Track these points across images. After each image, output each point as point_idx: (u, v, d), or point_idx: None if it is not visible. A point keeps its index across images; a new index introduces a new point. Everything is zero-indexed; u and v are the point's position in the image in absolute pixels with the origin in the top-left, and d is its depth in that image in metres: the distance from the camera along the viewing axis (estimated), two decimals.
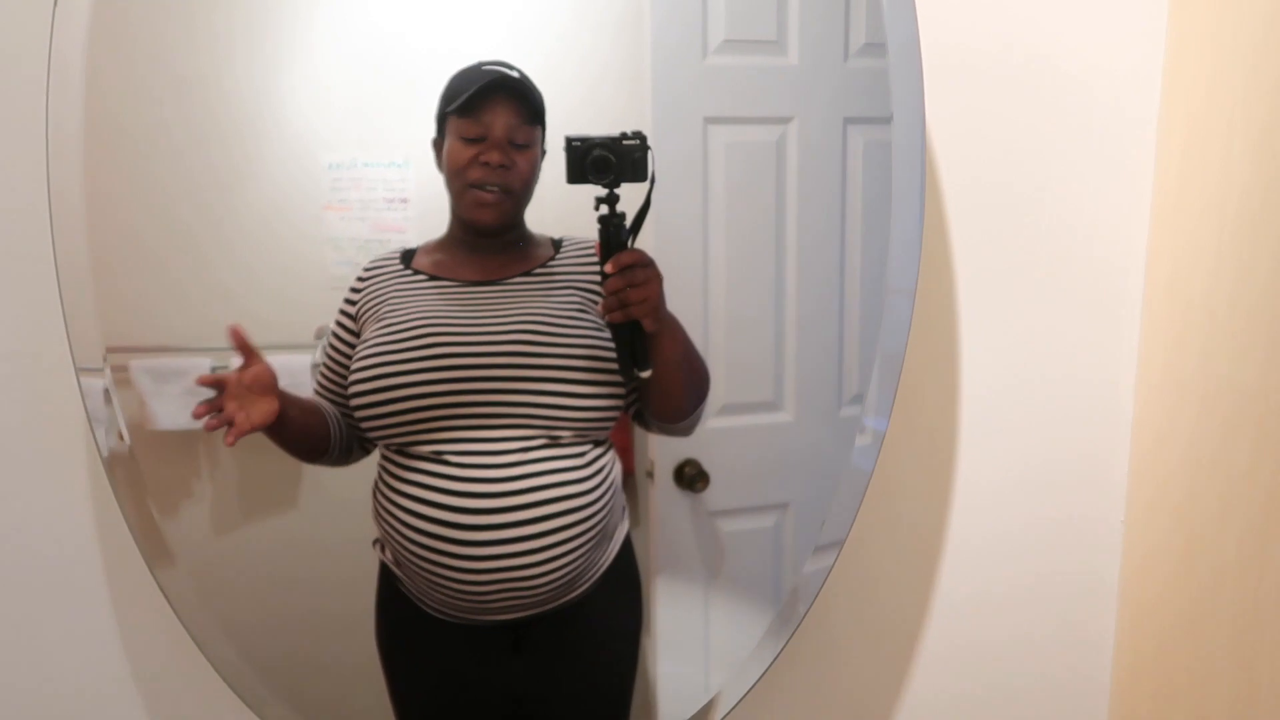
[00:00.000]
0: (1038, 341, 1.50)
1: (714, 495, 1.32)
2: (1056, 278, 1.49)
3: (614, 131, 1.06)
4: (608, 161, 1.03)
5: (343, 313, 1.17)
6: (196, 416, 1.06)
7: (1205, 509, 1.37)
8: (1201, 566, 1.37)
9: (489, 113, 1.10)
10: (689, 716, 1.33)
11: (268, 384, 1.08)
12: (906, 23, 1.26)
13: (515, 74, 1.11)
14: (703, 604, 1.35)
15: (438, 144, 1.14)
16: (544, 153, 1.15)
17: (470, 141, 1.11)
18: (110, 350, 1.19)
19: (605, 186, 1.04)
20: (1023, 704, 1.60)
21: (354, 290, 1.17)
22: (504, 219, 1.14)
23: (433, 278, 1.16)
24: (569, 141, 1.04)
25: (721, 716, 1.33)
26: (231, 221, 1.21)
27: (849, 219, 1.31)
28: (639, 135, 1.05)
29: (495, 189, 1.12)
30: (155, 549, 1.23)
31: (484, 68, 1.11)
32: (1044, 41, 1.42)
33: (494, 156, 1.10)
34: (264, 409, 1.08)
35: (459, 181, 1.13)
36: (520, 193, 1.14)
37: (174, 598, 1.23)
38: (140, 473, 1.21)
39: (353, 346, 1.15)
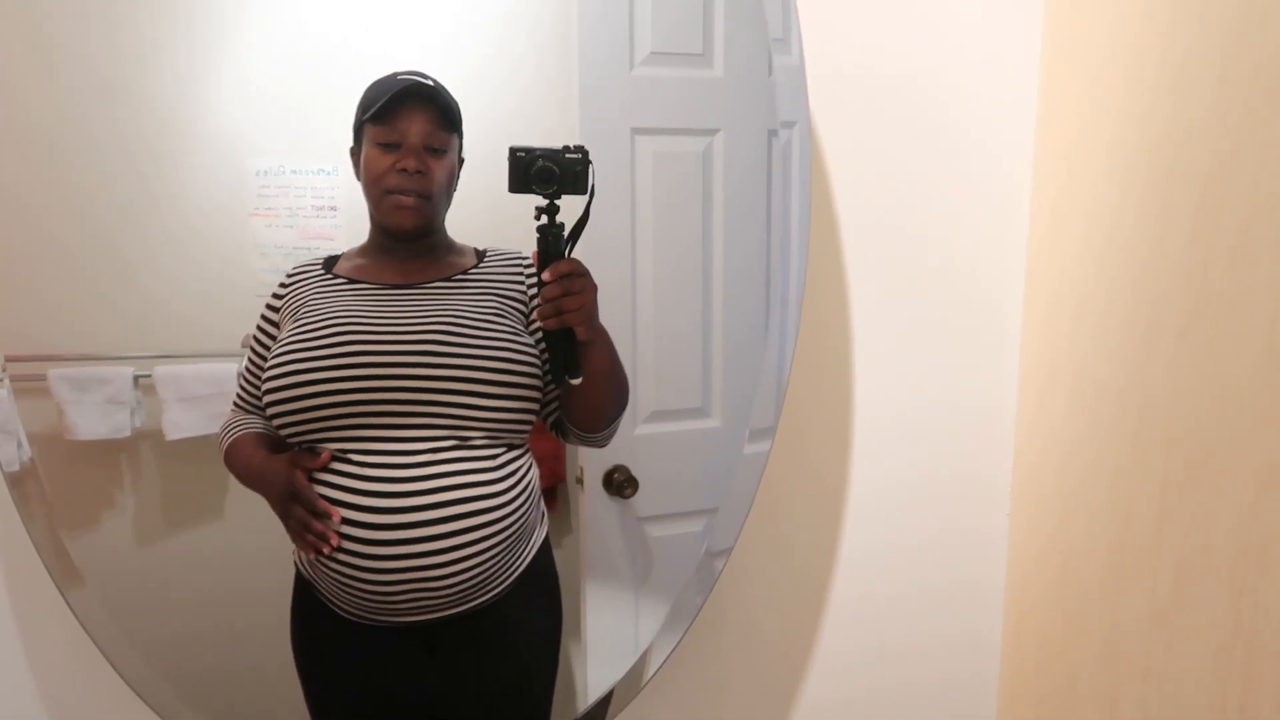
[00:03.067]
0: (925, 353, 1.55)
1: (643, 501, 1.33)
2: (942, 290, 1.54)
3: (545, 141, 1.07)
4: (552, 173, 1.04)
5: (265, 318, 1.17)
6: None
7: (1080, 516, 1.44)
8: (1078, 573, 1.45)
9: (404, 119, 1.10)
10: (589, 707, 1.35)
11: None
12: (795, 38, 1.29)
13: (429, 82, 1.12)
14: (633, 607, 1.37)
15: (355, 153, 1.14)
16: (462, 161, 1.16)
17: (386, 148, 1.11)
18: (16, 359, 1.16)
19: (548, 197, 1.05)
20: (915, 703, 1.64)
21: (276, 296, 1.17)
22: (422, 223, 1.15)
23: (352, 281, 1.16)
24: (513, 151, 1.05)
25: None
26: (155, 229, 1.19)
27: (774, 229, 1.34)
28: (580, 149, 1.06)
29: (412, 194, 1.12)
30: (65, 567, 1.20)
31: (399, 76, 1.12)
32: (925, 65, 1.47)
33: (410, 162, 1.11)
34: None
35: (376, 189, 1.13)
36: (437, 198, 1.14)
37: (83, 614, 1.21)
38: (43, 488, 1.19)
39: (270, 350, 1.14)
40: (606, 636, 1.35)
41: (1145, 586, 1.30)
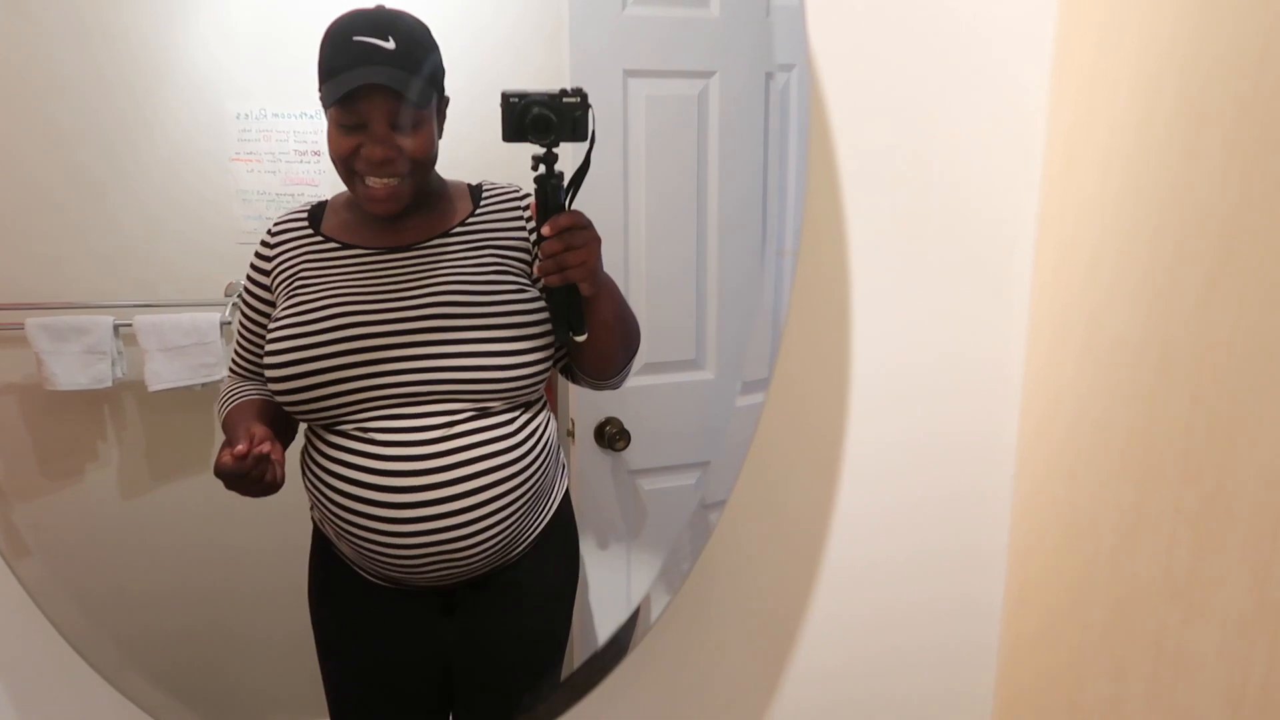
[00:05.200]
0: (928, 304, 1.50)
1: (635, 454, 1.31)
2: (947, 239, 1.48)
3: (534, 85, 1.03)
4: (548, 121, 0.97)
5: (254, 282, 1.12)
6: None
7: (1089, 479, 1.39)
8: (1086, 539, 1.40)
9: (363, 103, 1.01)
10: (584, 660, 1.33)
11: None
12: None
13: (389, 46, 1.01)
14: (625, 561, 1.35)
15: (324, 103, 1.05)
16: (447, 100, 1.07)
17: (349, 130, 1.03)
18: None
19: (545, 146, 0.99)
20: (912, 670, 1.62)
21: (263, 257, 1.12)
22: (399, 207, 1.07)
23: (345, 245, 1.10)
24: (506, 97, 0.98)
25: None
26: (134, 174, 1.16)
27: (770, 176, 1.30)
28: (579, 92, 0.99)
29: (383, 181, 1.05)
30: (11, 538, 1.19)
31: (353, 40, 1.01)
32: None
33: (375, 152, 1.02)
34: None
35: (343, 169, 1.05)
36: (417, 173, 1.07)
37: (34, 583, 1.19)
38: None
39: (268, 318, 1.10)
40: (601, 590, 1.34)
41: (1160, 555, 1.25)
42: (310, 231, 1.12)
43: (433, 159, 1.09)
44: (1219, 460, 1.16)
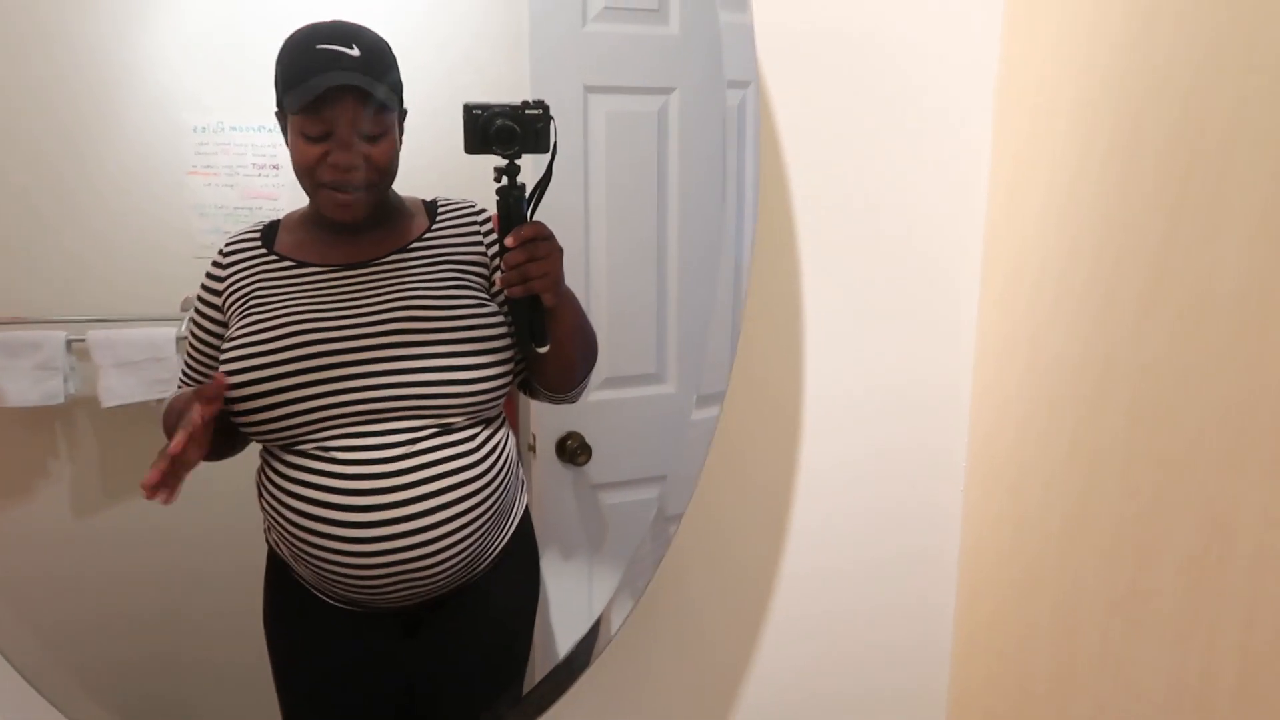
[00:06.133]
0: (878, 325, 1.53)
1: (596, 468, 1.32)
2: (896, 260, 1.52)
3: (496, 97, 1.03)
4: (512, 132, 0.98)
5: (205, 302, 1.10)
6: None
7: (1033, 489, 1.44)
8: (1031, 541, 1.45)
9: (330, 108, 1.01)
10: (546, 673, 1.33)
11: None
12: None
13: (354, 53, 1.01)
14: (587, 574, 1.35)
15: (280, 118, 1.05)
16: (404, 113, 1.08)
17: (314, 140, 1.02)
18: None
19: (508, 158, 1.00)
20: (869, 670, 1.65)
21: (214, 278, 1.10)
22: (364, 213, 1.07)
23: (299, 263, 1.09)
24: (468, 109, 0.98)
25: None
26: (88, 186, 1.14)
27: (728, 191, 1.31)
28: (540, 104, 1.00)
29: (350, 190, 1.04)
30: None
31: (317, 48, 1.01)
32: (882, 27, 1.44)
33: (342, 158, 1.02)
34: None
35: (309, 180, 1.04)
36: (380, 182, 1.06)
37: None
38: None
39: (219, 337, 1.09)
40: (562, 604, 1.34)
41: (1101, 567, 1.29)
42: (263, 250, 1.10)
43: (394, 170, 1.08)
44: (1157, 478, 1.20)
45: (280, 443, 1.06)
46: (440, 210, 1.14)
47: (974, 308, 1.56)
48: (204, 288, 1.11)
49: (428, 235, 1.12)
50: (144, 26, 1.14)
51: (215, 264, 1.11)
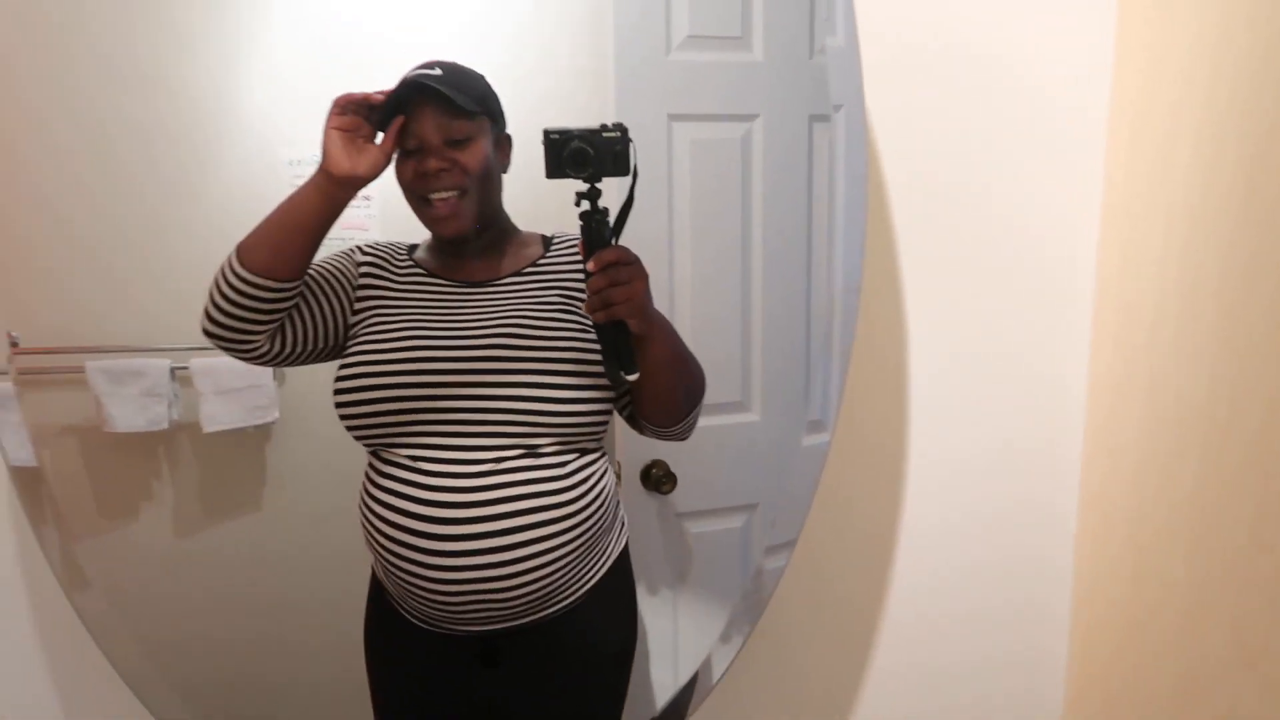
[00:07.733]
0: (987, 337, 1.49)
1: (681, 497, 1.30)
2: (1006, 273, 1.48)
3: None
4: (585, 155, 0.98)
5: (340, 264, 1.12)
6: None
7: (1150, 539, 1.37)
8: (1148, 592, 1.38)
9: (412, 121, 1.05)
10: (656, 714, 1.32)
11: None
12: (846, 18, 1.24)
13: (436, 72, 1.05)
14: (671, 605, 1.34)
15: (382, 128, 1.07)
16: (504, 139, 1.10)
17: (407, 154, 1.06)
18: (53, 351, 1.17)
19: (585, 180, 0.99)
20: (982, 679, 1.60)
21: (355, 261, 1.13)
22: (465, 225, 1.08)
23: (429, 274, 1.13)
24: (547, 134, 0.99)
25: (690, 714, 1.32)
26: (193, 219, 1.19)
27: (815, 217, 1.29)
28: (619, 127, 0.99)
29: (444, 194, 1.06)
30: (73, 571, 1.21)
31: (406, 76, 1.05)
32: (993, 41, 1.41)
33: (430, 164, 1.05)
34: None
35: (411, 198, 1.08)
36: (476, 189, 1.08)
37: (98, 612, 1.21)
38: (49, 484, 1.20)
39: (340, 301, 1.11)
40: (655, 645, 1.33)
41: (1230, 624, 1.22)
42: (406, 258, 1.14)
43: (491, 180, 1.10)
44: None
45: (379, 443, 1.07)
46: (555, 241, 1.16)
47: (1085, 350, 1.51)
48: (345, 255, 1.14)
49: (541, 261, 1.13)
50: (236, 69, 1.18)
51: (358, 248, 1.15)
